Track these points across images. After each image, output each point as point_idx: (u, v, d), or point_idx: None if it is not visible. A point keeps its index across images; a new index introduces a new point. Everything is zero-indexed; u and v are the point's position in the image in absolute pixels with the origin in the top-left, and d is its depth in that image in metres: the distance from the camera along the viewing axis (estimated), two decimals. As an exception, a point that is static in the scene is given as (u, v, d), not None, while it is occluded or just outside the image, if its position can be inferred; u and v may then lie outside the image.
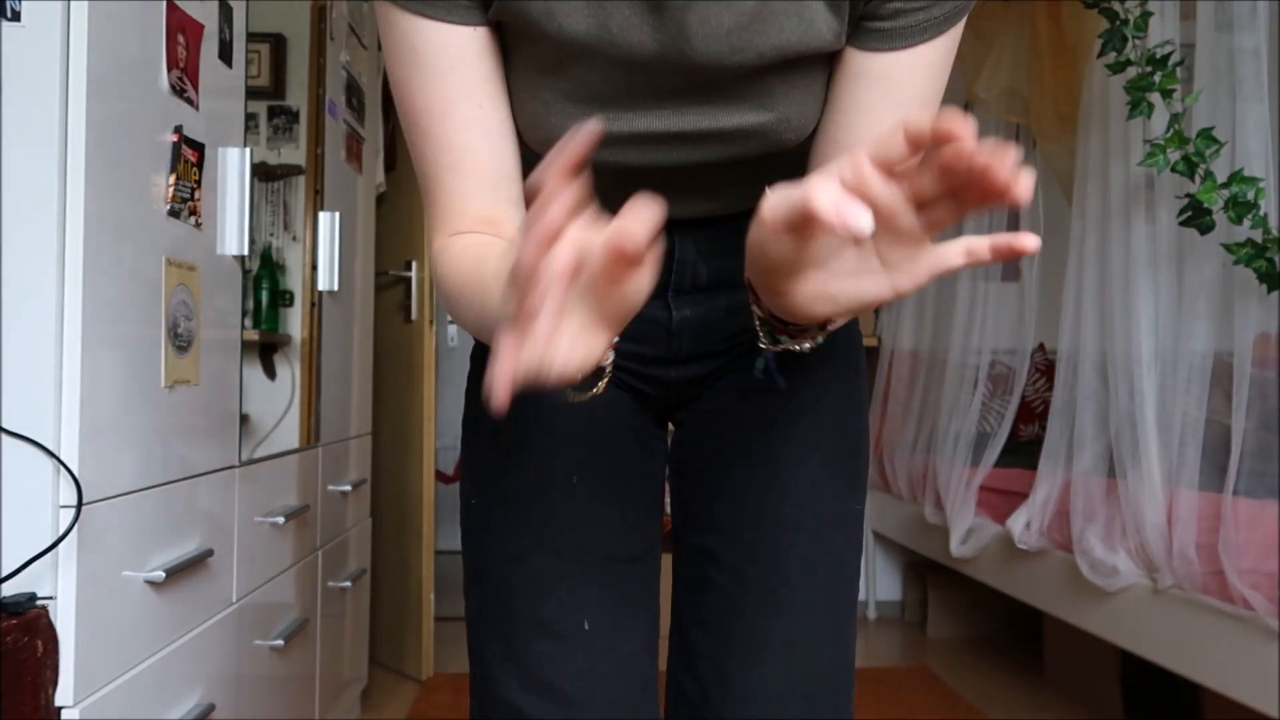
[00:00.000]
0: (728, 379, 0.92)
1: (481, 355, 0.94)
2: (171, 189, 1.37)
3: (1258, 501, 1.79)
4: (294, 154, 2.11)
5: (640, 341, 0.89)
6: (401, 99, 0.77)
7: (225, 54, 1.56)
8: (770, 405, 0.90)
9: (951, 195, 0.54)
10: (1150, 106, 1.95)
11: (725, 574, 0.89)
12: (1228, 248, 1.82)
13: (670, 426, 0.98)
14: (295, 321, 2.10)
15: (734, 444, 0.91)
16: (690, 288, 0.88)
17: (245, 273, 1.66)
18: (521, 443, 0.89)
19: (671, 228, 0.80)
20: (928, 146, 0.52)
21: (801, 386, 0.89)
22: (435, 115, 0.76)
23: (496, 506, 0.89)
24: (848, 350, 0.94)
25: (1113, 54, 2.00)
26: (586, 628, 0.85)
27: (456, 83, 0.75)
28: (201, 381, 1.48)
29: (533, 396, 0.78)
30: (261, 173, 2.09)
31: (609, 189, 0.69)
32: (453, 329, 5.14)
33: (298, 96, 2.11)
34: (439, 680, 2.90)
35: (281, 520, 1.80)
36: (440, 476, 4.43)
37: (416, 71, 0.75)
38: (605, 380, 0.74)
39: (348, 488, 2.29)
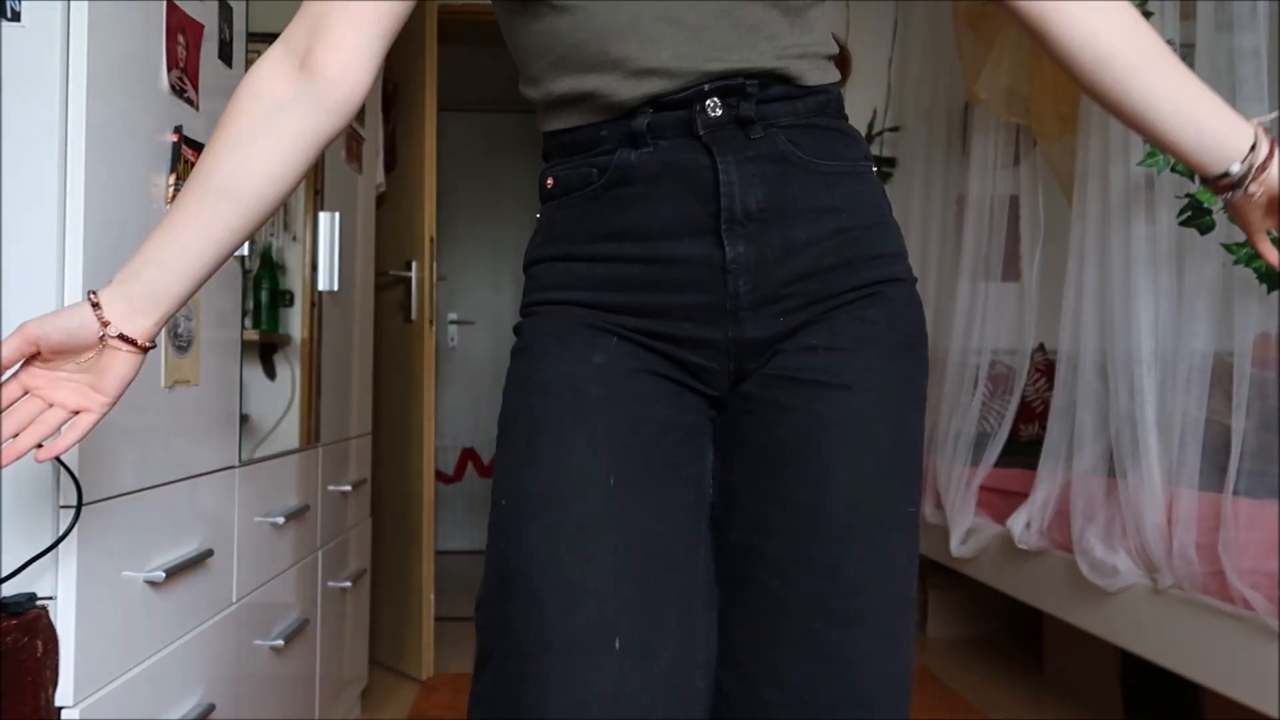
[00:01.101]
0: (781, 359, 0.87)
1: (520, 352, 0.92)
2: (171, 189, 1.37)
3: (1258, 501, 1.79)
4: (294, 154, 2.11)
5: (695, 290, 0.86)
6: None
7: (225, 54, 1.56)
8: (822, 398, 0.86)
9: None
10: (1150, 106, 1.95)
11: (772, 575, 0.85)
12: (1228, 248, 1.82)
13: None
14: (295, 321, 2.10)
15: (784, 439, 0.86)
16: (742, 217, 0.85)
17: (245, 273, 1.66)
18: (557, 443, 0.85)
19: (711, 145, 0.84)
20: None
21: (856, 378, 0.87)
22: None
23: (528, 509, 0.85)
24: (909, 343, 0.93)
25: (1113, 54, 2.00)
26: (617, 646, 0.80)
27: None
28: (201, 381, 1.48)
29: (571, 394, 0.85)
30: (261, 173, 2.08)
31: (642, 26, 0.81)
32: (453, 329, 5.14)
33: (298, 96, 2.11)
34: (439, 680, 2.90)
35: (281, 520, 1.80)
36: (440, 476, 4.43)
37: None
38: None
39: (348, 488, 2.29)
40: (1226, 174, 0.89)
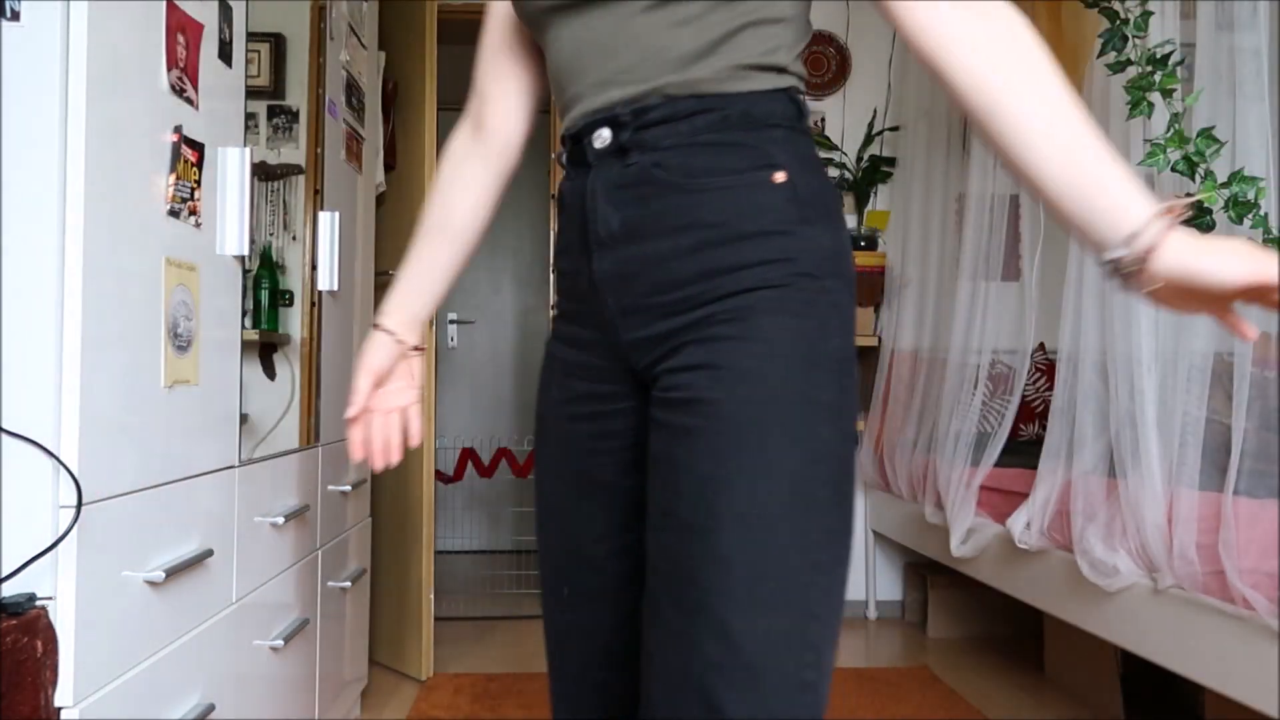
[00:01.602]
0: (668, 378, 0.92)
1: (551, 346, 1.08)
2: (171, 189, 1.37)
3: (1258, 501, 1.79)
4: (294, 154, 2.11)
5: (584, 299, 1.00)
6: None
7: (225, 54, 1.56)
8: (693, 412, 0.88)
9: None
10: (1150, 106, 1.95)
11: (650, 571, 0.92)
12: (1228, 247, 1.82)
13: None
14: (295, 321, 2.10)
15: (658, 453, 0.92)
16: (606, 238, 0.95)
17: (245, 273, 1.66)
18: (543, 460, 1.08)
19: (593, 173, 0.96)
20: None
21: (726, 393, 0.88)
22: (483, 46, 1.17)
23: (539, 515, 1.10)
24: (789, 349, 0.89)
25: (1113, 54, 2.00)
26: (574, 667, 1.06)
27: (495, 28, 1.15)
28: (201, 381, 1.48)
29: (554, 419, 1.06)
30: (261, 172, 2.09)
31: (578, 58, 0.96)
32: (453, 329, 5.14)
33: (297, 96, 2.11)
34: (439, 680, 2.90)
35: (281, 520, 1.80)
36: (440, 476, 4.43)
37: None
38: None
39: (348, 488, 2.29)
40: (1112, 261, 0.80)
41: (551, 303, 1.21)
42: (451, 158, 1.17)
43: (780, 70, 0.93)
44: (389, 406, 1.18)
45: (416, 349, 1.20)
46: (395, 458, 1.18)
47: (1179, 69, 1.93)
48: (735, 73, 0.91)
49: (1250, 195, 1.81)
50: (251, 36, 1.68)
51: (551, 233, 3.63)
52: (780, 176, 0.91)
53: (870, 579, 3.85)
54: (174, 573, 1.33)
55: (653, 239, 0.92)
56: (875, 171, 3.83)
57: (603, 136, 0.93)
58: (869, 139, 3.89)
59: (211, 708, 1.45)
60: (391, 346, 1.17)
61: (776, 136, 0.92)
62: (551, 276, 1.19)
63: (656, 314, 0.93)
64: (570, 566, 1.04)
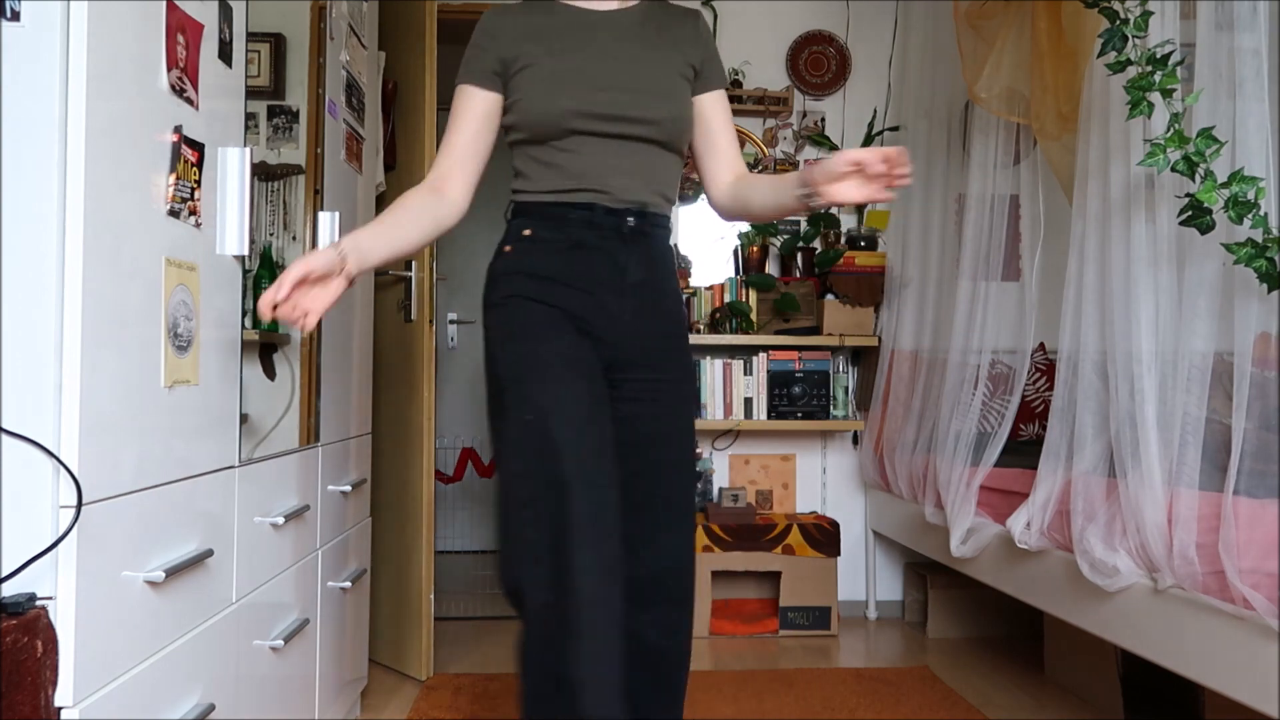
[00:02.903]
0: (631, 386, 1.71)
1: (507, 331, 1.69)
2: (171, 189, 1.37)
3: (1258, 501, 1.79)
4: (294, 154, 2.11)
5: (586, 304, 1.66)
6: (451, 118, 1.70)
7: (225, 54, 1.56)
8: (653, 403, 1.72)
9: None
10: (1150, 106, 1.95)
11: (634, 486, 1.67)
12: (1228, 247, 1.82)
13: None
14: (295, 321, 2.10)
15: (633, 422, 1.70)
16: (634, 284, 1.69)
17: (245, 273, 1.66)
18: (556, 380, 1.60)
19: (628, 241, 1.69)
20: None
21: (666, 394, 1.73)
22: (453, 129, 1.70)
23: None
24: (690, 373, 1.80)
25: (1113, 53, 2.00)
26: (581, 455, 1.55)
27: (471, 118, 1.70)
28: (201, 381, 1.48)
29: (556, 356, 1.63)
30: (261, 172, 2.09)
31: (583, 153, 1.64)
32: (453, 329, 5.14)
33: (298, 96, 2.11)
34: (439, 680, 2.90)
35: (281, 520, 1.80)
36: (440, 476, 4.43)
37: (460, 110, 1.70)
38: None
39: (348, 488, 2.29)
40: (800, 195, 1.58)
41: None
42: (410, 197, 1.65)
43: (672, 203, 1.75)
44: (304, 306, 1.44)
45: (349, 280, 1.50)
46: (307, 324, 1.45)
47: (1179, 69, 1.93)
48: (670, 201, 1.74)
49: (1250, 195, 1.81)
50: (251, 36, 1.68)
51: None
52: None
53: (870, 579, 3.85)
54: (174, 573, 1.33)
55: (656, 290, 1.70)
56: (875, 171, 3.82)
57: (630, 221, 1.66)
58: (869, 139, 3.89)
59: (211, 708, 1.45)
60: (334, 257, 1.47)
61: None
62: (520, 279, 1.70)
63: (648, 331, 1.69)
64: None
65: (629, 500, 1.61)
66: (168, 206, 1.36)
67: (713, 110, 1.76)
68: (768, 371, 3.62)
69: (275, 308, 1.40)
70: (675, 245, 3.70)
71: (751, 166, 3.88)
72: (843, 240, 3.84)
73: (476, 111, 1.67)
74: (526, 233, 1.66)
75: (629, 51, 1.68)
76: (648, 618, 1.65)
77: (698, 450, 3.77)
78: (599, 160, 1.62)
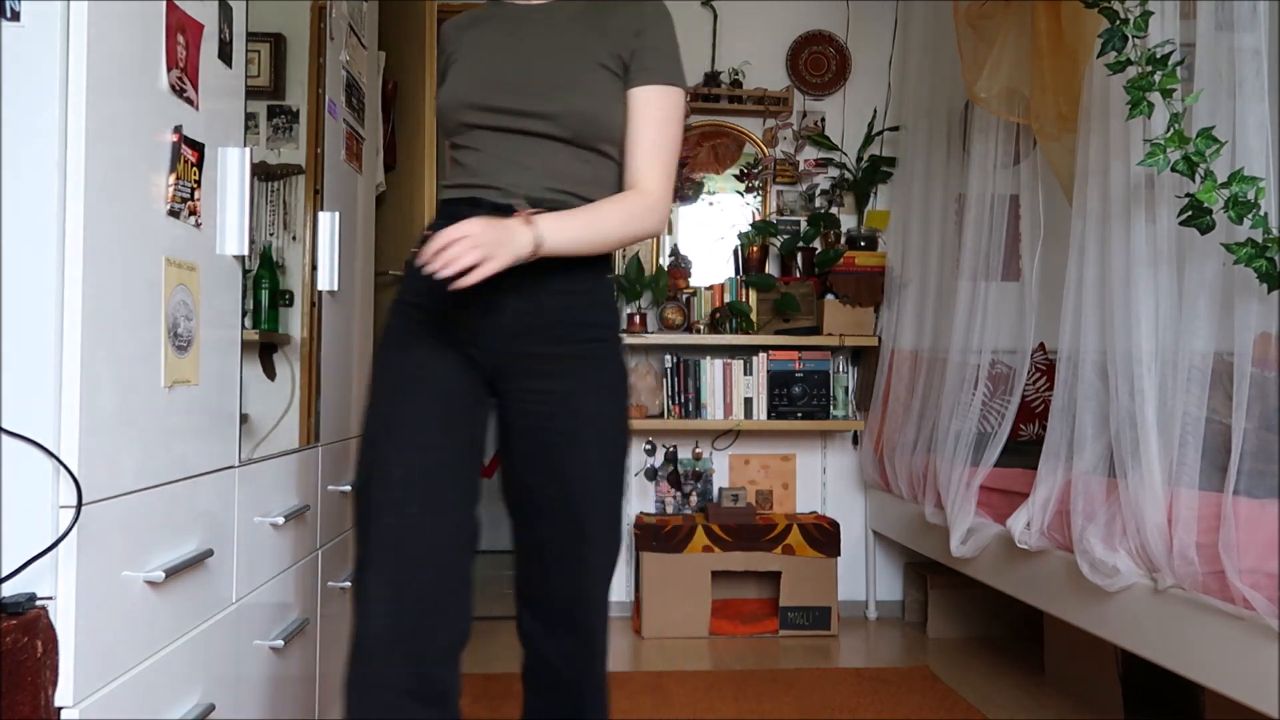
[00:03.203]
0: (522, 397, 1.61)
1: (385, 342, 1.58)
2: (171, 189, 1.37)
3: (1258, 501, 1.79)
4: (294, 154, 2.11)
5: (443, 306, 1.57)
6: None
7: (225, 54, 1.56)
8: (558, 413, 1.58)
9: None
10: (1150, 106, 1.95)
11: (539, 512, 1.63)
12: (1228, 247, 1.82)
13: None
14: (295, 321, 2.10)
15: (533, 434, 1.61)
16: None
17: (245, 273, 1.66)
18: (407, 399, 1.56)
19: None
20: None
21: (579, 405, 1.58)
22: None
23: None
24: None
25: (1113, 54, 2.00)
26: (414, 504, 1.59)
27: None
28: (201, 381, 1.48)
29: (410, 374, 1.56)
30: (261, 172, 2.09)
31: (483, 150, 1.56)
32: (453, 329, 5.14)
33: (298, 96, 2.11)
34: (439, 680, 2.89)
35: (281, 520, 1.80)
36: (440, 476, 4.43)
37: None
38: None
39: (348, 488, 2.29)
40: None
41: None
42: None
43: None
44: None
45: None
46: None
47: (1179, 69, 1.93)
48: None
49: (1250, 195, 1.81)
50: (251, 36, 1.68)
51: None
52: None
53: (870, 579, 3.85)
54: (174, 573, 1.33)
55: (544, 289, 1.56)
56: (875, 171, 3.83)
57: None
58: (869, 139, 3.89)
59: (211, 708, 1.45)
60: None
61: None
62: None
63: (536, 336, 1.57)
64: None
65: (538, 519, 1.59)
66: (168, 206, 1.36)
67: (635, 107, 1.57)
68: (768, 371, 3.62)
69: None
70: (676, 244, 3.62)
71: (752, 166, 3.88)
72: (843, 240, 3.84)
73: None
74: (427, 233, 1.54)
75: (545, 45, 1.58)
76: (553, 647, 1.60)
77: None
78: (495, 156, 1.54)
